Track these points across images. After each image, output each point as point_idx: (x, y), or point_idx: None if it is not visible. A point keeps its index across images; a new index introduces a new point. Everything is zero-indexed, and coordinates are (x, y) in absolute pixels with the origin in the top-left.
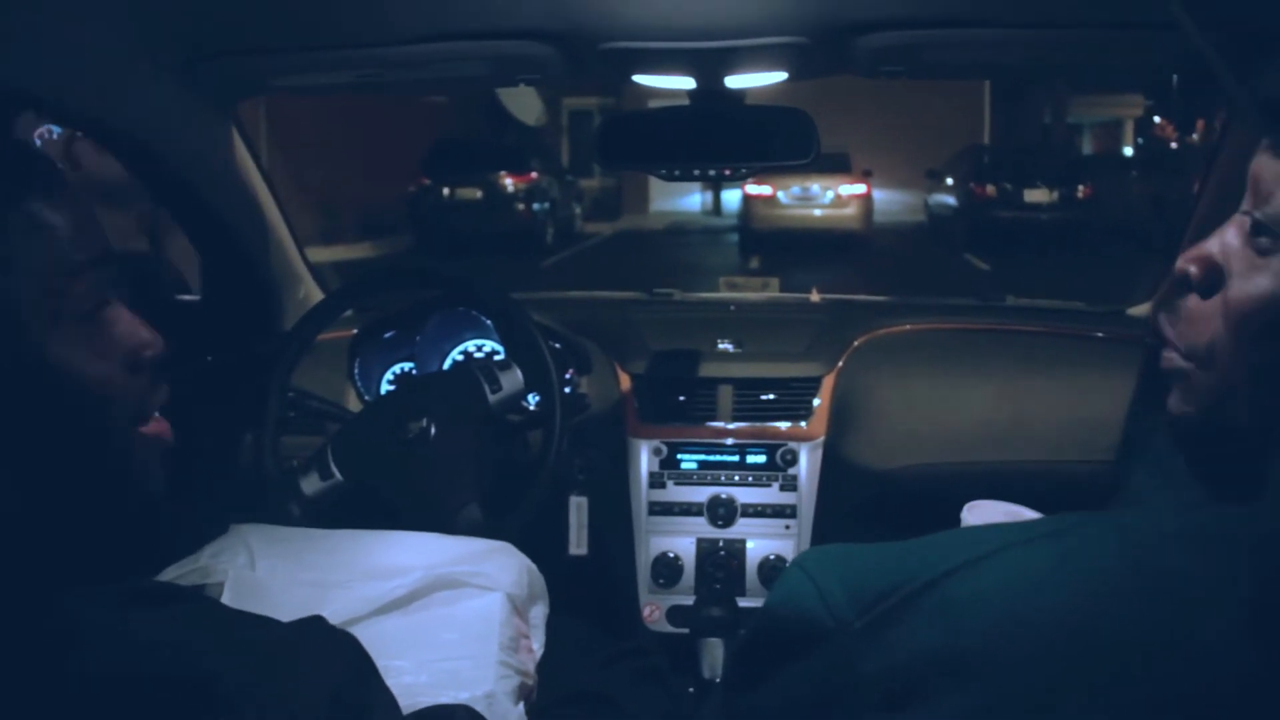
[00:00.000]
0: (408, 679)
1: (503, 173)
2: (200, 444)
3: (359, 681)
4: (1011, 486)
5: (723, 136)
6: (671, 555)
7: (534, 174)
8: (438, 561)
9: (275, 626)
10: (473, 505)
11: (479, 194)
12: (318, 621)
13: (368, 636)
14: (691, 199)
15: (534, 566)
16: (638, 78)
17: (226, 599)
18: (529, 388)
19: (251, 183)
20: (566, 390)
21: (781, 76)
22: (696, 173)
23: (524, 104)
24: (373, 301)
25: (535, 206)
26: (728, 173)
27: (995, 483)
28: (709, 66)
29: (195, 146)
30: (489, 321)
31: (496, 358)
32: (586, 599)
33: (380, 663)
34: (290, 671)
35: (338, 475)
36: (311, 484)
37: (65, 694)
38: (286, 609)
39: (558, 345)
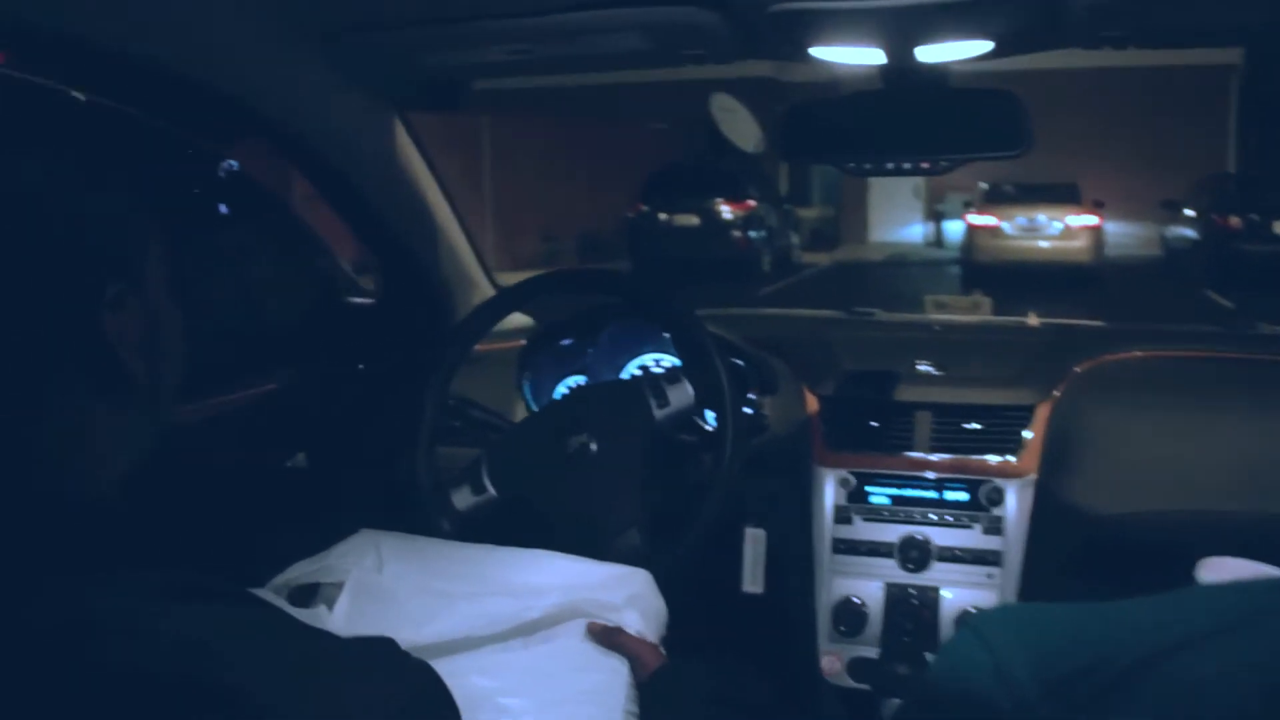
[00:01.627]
0: None
1: (720, 200)
2: (352, 451)
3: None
4: (1258, 541)
5: (919, 123)
6: (856, 600)
7: (751, 202)
8: (575, 584)
9: (330, 642)
10: (633, 529)
11: (696, 221)
12: (387, 645)
13: (485, 664)
14: (912, 229)
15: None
16: (816, 51)
17: (344, 600)
18: (701, 405)
19: (419, 181)
20: (746, 410)
21: (984, 46)
22: (890, 165)
23: (743, 131)
24: (538, 307)
25: (752, 235)
26: (925, 165)
27: (1238, 536)
28: (899, 32)
29: (351, 135)
30: (668, 334)
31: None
32: (758, 642)
33: (494, 698)
34: (332, 696)
35: (491, 490)
36: (464, 498)
37: (72, 683)
38: (405, 616)
39: (740, 362)
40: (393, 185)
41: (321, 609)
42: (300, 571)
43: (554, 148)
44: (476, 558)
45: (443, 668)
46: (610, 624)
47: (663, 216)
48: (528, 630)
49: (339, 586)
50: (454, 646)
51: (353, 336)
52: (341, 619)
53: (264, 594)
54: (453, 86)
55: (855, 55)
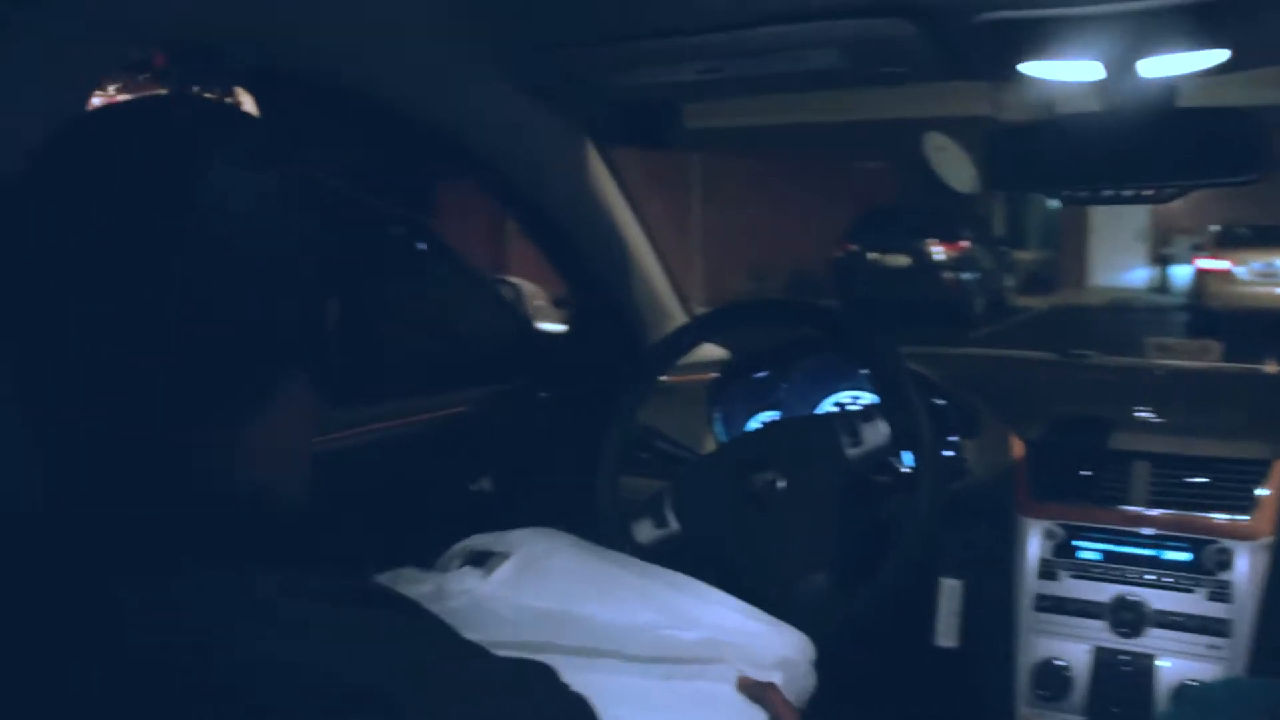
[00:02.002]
0: None
1: (931, 240)
2: (538, 477)
3: None
4: None
5: (1141, 146)
6: (1060, 663)
7: (965, 243)
8: (728, 628)
9: (488, 660)
10: (819, 573)
11: (906, 261)
12: (544, 672)
13: (625, 689)
14: (1135, 274)
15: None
16: (1027, 67)
17: (507, 567)
18: (897, 445)
19: (612, 208)
20: (945, 453)
21: (1218, 57)
22: (1108, 193)
23: (956, 170)
24: (733, 339)
25: (964, 276)
26: (1148, 192)
27: None
28: (1121, 43)
29: (542, 160)
30: (866, 371)
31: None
32: (949, 700)
33: None
34: (484, 714)
35: (674, 524)
36: (645, 531)
37: (212, 674)
38: (559, 593)
39: (940, 401)
40: (584, 211)
41: (479, 572)
42: (477, 541)
43: (764, 186)
44: (641, 571)
45: (579, 676)
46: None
47: (872, 256)
48: (669, 656)
49: (507, 557)
50: (595, 648)
51: (545, 363)
52: (498, 583)
53: (440, 562)
54: (663, 123)
55: (1070, 71)
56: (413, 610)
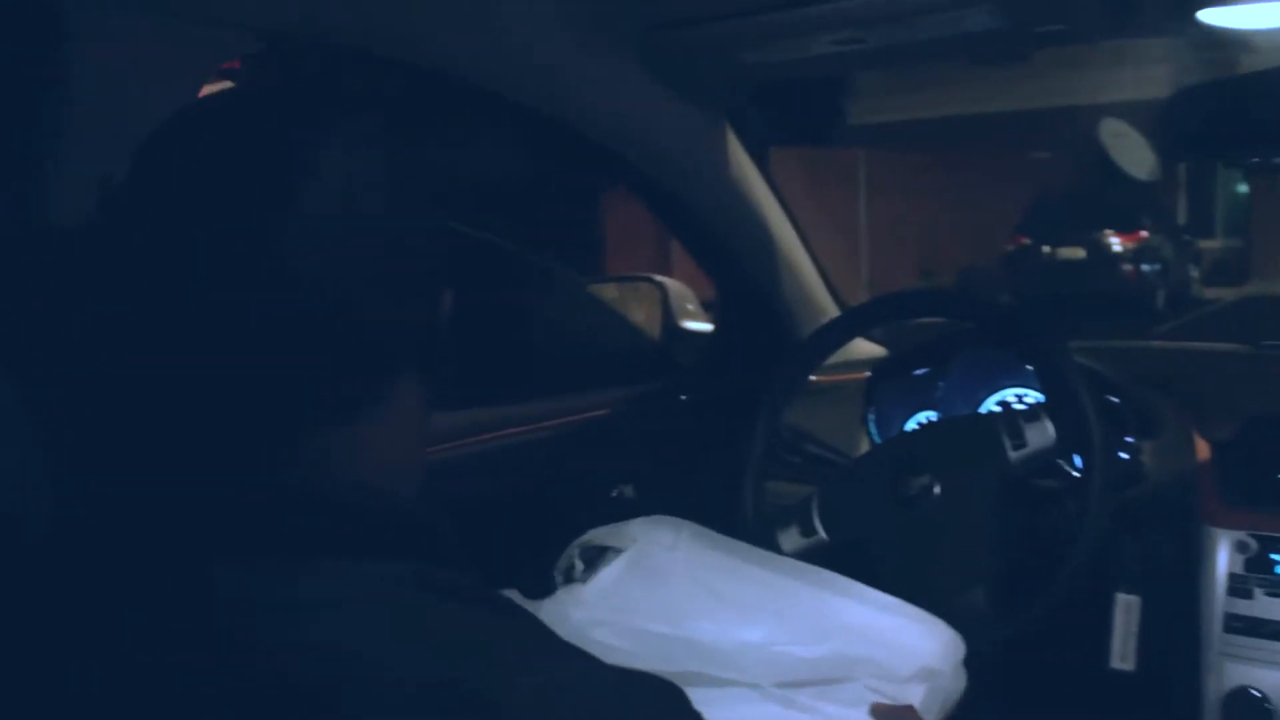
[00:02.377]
0: None
1: (1108, 231)
2: (681, 483)
3: None
4: None
5: None
6: (1255, 693)
7: (1143, 233)
8: (862, 631)
9: (608, 674)
10: (977, 587)
11: (1081, 254)
12: (673, 694)
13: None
14: None
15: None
16: (1208, 14)
17: (613, 569)
18: (1065, 447)
19: (755, 197)
20: (1119, 455)
21: None
22: None
23: (1135, 157)
24: (890, 335)
25: (1144, 268)
26: None
27: None
28: None
29: (676, 147)
30: (1031, 367)
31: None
32: None
33: None
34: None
35: (821, 533)
36: (791, 540)
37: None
38: (663, 606)
39: (1114, 399)
40: (726, 202)
41: (575, 589)
42: (595, 534)
43: (932, 180)
44: (763, 563)
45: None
46: (897, 703)
47: (1045, 249)
48: (789, 679)
49: (619, 554)
50: (701, 672)
51: (689, 364)
52: (596, 590)
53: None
54: (825, 121)
55: (1260, 15)
56: (509, 608)
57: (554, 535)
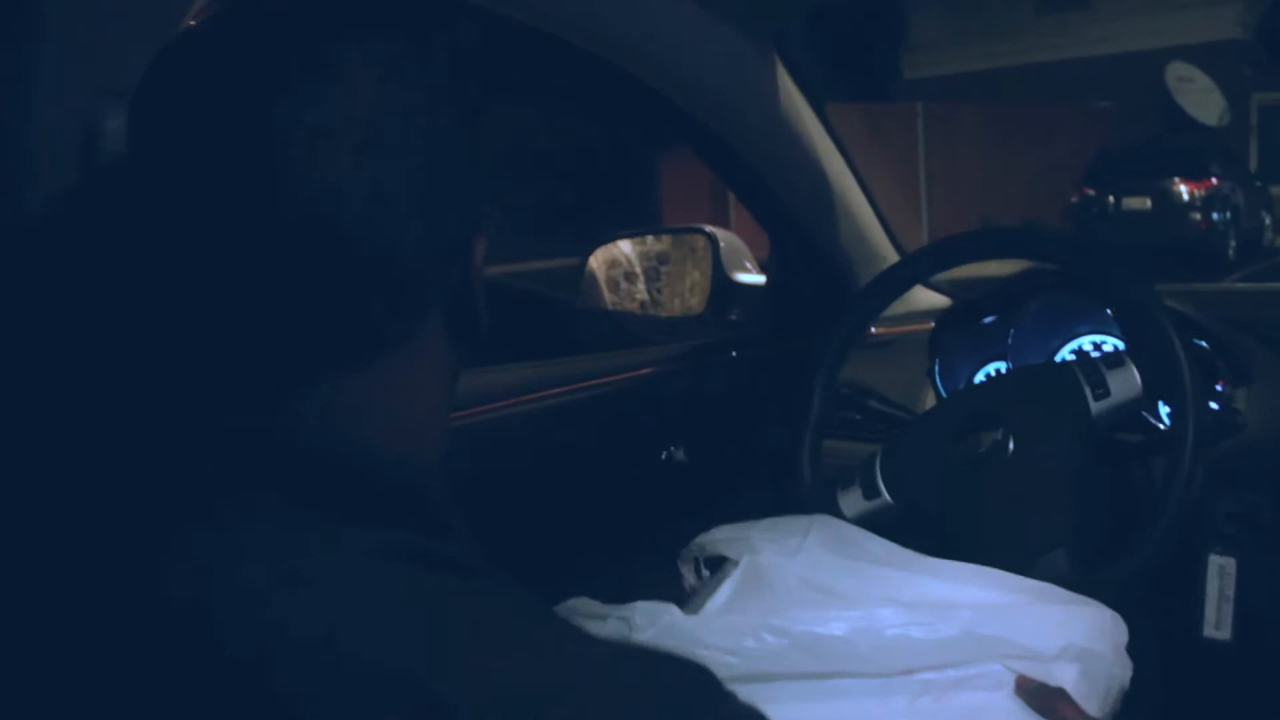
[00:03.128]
0: None
1: (1176, 179)
2: (736, 444)
3: None
4: None
5: None
6: None
7: (1213, 180)
8: (993, 607)
9: (568, 638)
10: (1058, 551)
11: (1147, 203)
12: (702, 676)
13: (848, 714)
14: None
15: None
16: None
17: (725, 589)
18: (1151, 396)
19: (806, 136)
20: (1211, 405)
21: None
22: None
23: (1203, 102)
24: (956, 283)
25: (1214, 216)
26: None
27: None
28: None
29: (715, 74)
30: (1111, 311)
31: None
32: (1220, 702)
33: None
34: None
35: (886, 495)
36: (854, 503)
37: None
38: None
39: (1203, 344)
40: (774, 140)
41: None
42: (719, 536)
43: (991, 133)
44: (902, 562)
45: (807, 707)
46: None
47: (1110, 200)
48: (921, 664)
49: (736, 565)
50: (825, 669)
51: (745, 318)
52: (704, 619)
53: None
54: (881, 75)
55: None
56: (499, 586)
57: (605, 504)
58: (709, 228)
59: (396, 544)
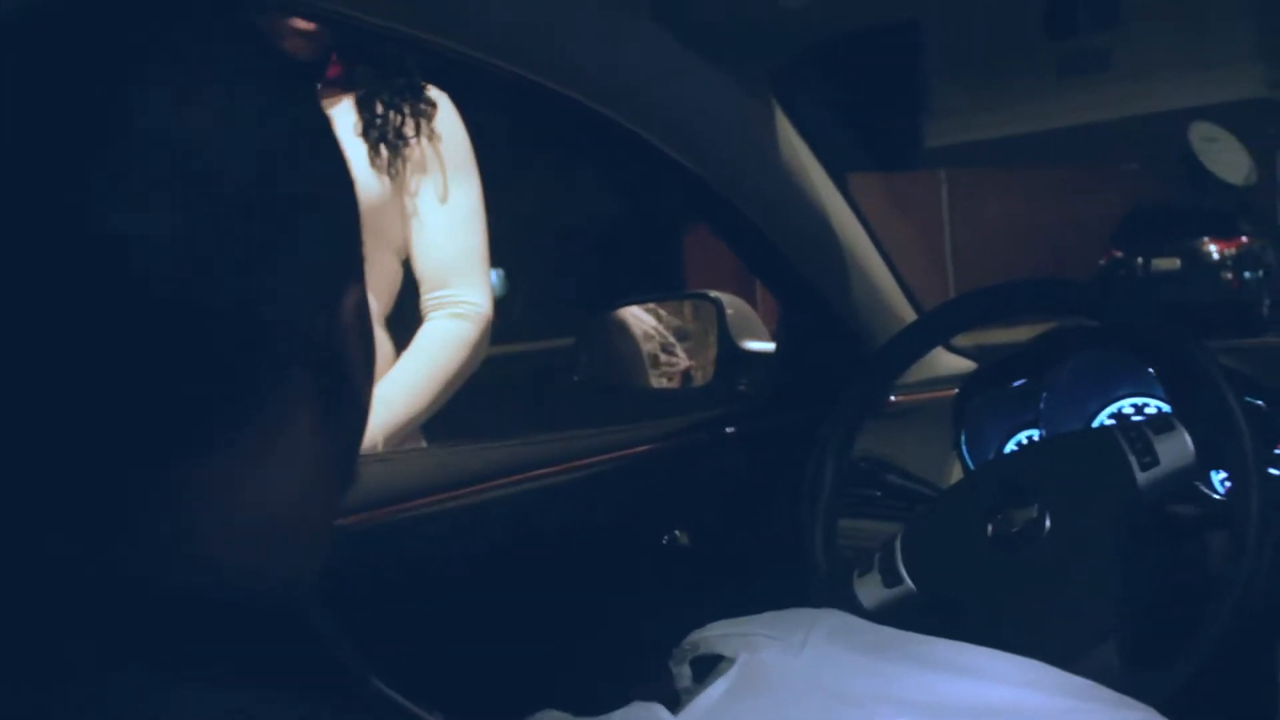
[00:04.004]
0: None
1: (1205, 239)
2: (743, 526)
3: None
4: None
5: None
6: None
7: (1243, 238)
8: (1031, 707)
9: None
10: (1106, 644)
11: (1178, 263)
12: None
13: None
14: None
15: None
16: None
17: (713, 691)
18: (1205, 464)
19: (810, 186)
20: (1272, 471)
21: None
22: None
23: (1229, 162)
24: (968, 343)
25: (1246, 275)
26: None
27: None
28: None
29: (709, 122)
30: (1154, 371)
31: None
32: None
33: None
34: None
35: (908, 581)
36: (872, 591)
37: None
38: None
39: (1259, 403)
40: (772, 190)
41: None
42: (714, 633)
43: (1017, 199)
44: (926, 658)
45: None
46: None
47: (1139, 261)
48: None
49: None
50: None
51: (754, 389)
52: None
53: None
54: (904, 143)
55: None
56: None
57: (598, 597)
58: (714, 293)
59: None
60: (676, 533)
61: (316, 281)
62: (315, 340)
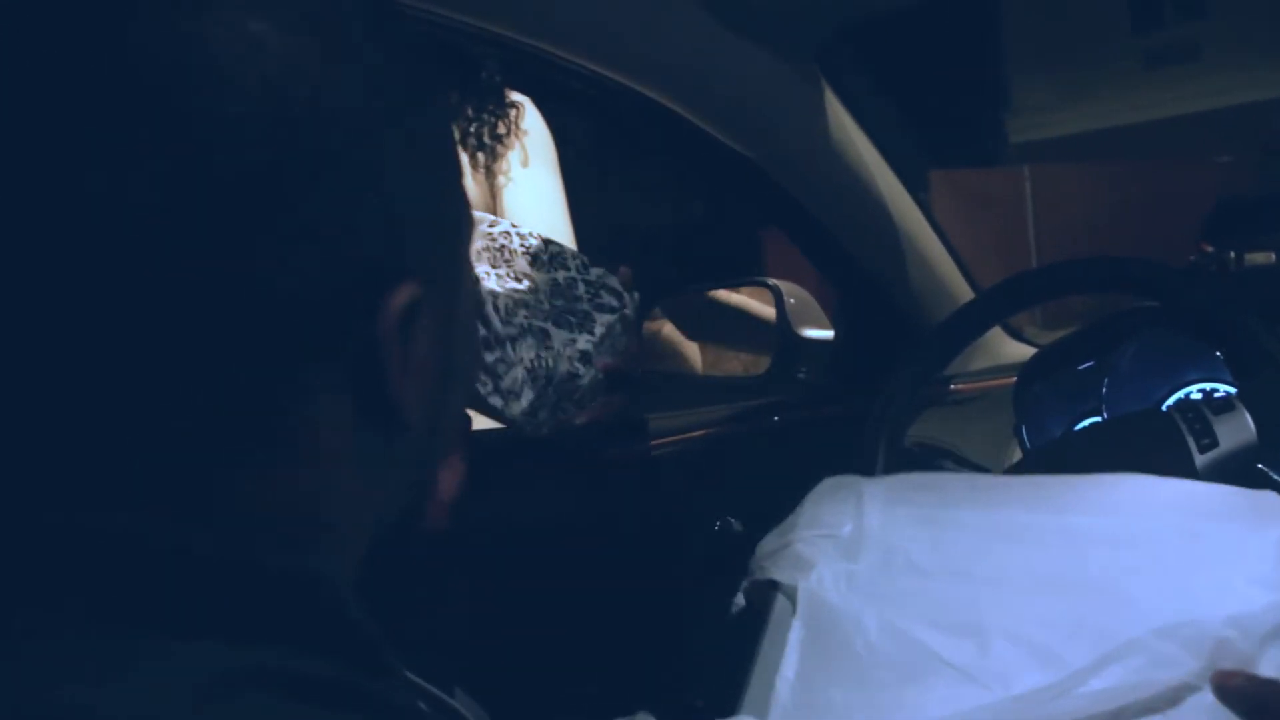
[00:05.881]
0: None
1: None
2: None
3: None
4: None
5: None
6: None
7: None
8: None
9: None
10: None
11: (1272, 257)
12: None
13: None
14: None
15: None
16: None
17: (792, 649)
18: (1269, 443)
19: (861, 167)
20: None
21: None
22: None
23: None
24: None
25: None
26: None
27: None
28: None
29: (750, 100)
30: (1222, 355)
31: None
32: None
33: None
34: None
35: None
36: None
37: None
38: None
39: None
40: (822, 170)
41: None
42: (767, 550)
43: (1103, 194)
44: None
45: None
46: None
47: (1231, 255)
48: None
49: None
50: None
51: (814, 376)
52: (786, 687)
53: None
54: (986, 140)
55: None
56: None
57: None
58: (773, 280)
59: (248, 669)
60: (731, 519)
61: (350, 285)
62: (347, 349)
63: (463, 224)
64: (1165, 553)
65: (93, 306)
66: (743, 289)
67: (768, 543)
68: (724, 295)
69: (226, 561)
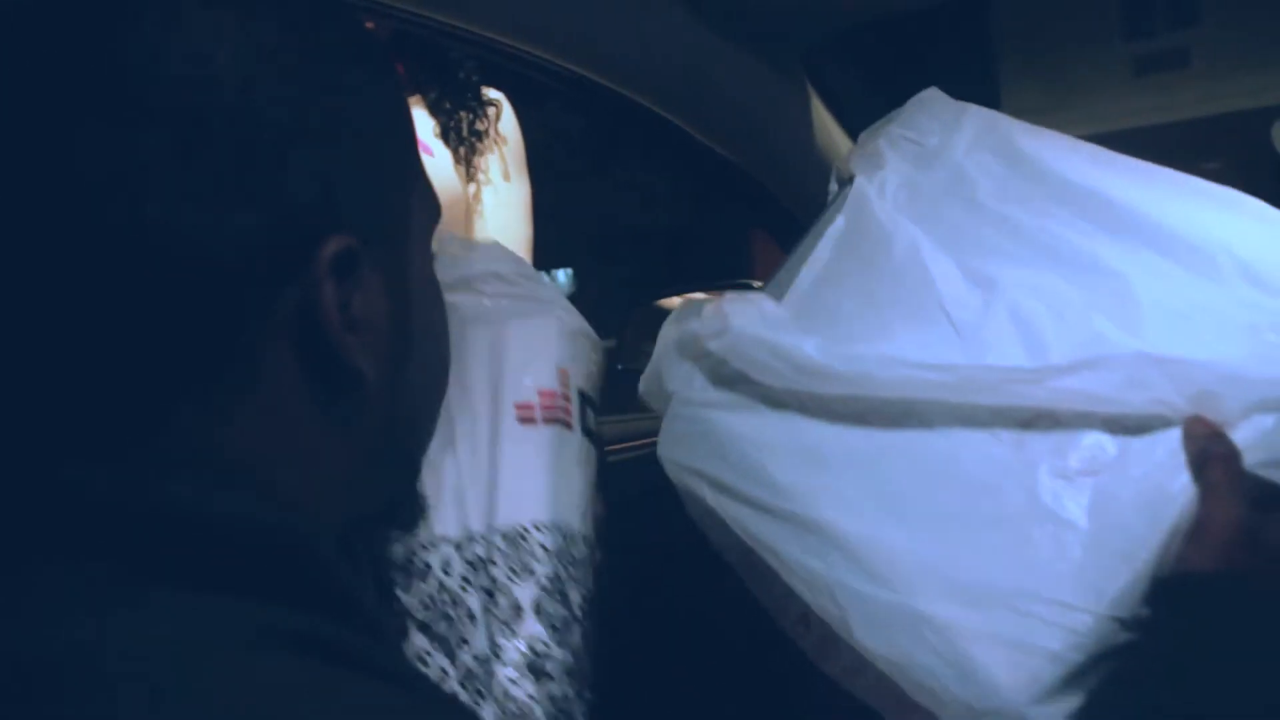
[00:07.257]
0: None
1: None
2: None
3: None
4: None
5: None
6: None
7: None
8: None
9: None
10: None
11: None
12: None
13: None
14: None
15: None
16: None
17: (826, 240)
18: None
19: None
20: None
21: None
22: None
23: None
24: None
25: None
26: None
27: None
28: None
29: (742, 108)
30: None
31: None
32: None
33: None
34: None
35: None
36: None
37: None
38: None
39: None
40: (811, 176)
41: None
42: (864, 139)
43: None
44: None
45: None
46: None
47: None
48: None
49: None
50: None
51: None
52: (810, 278)
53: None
54: None
55: None
56: (392, 677)
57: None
58: (757, 283)
59: (283, 628)
60: None
61: (280, 240)
62: (281, 306)
63: (409, 188)
64: (1219, 318)
65: (33, 270)
66: (729, 291)
67: (865, 135)
68: (711, 297)
69: (196, 515)
